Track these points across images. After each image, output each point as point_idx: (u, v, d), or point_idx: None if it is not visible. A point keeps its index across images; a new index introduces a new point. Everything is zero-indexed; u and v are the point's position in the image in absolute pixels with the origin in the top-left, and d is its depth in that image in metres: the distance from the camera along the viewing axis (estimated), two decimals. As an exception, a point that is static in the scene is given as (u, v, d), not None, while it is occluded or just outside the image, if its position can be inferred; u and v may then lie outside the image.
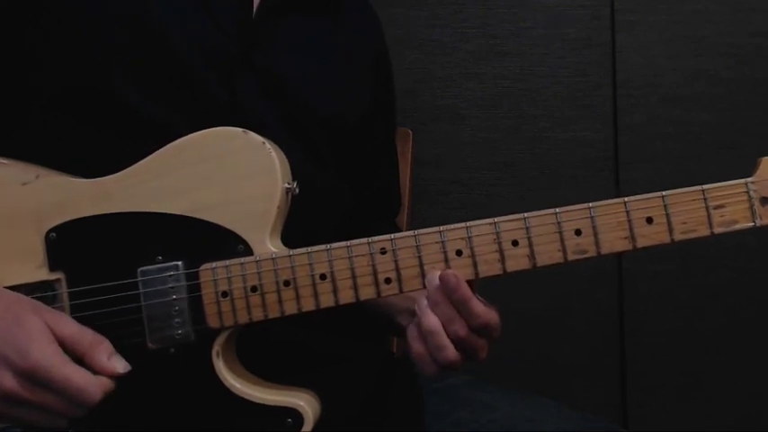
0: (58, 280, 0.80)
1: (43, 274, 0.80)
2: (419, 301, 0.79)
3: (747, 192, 0.77)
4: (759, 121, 1.54)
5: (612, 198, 0.78)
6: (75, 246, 0.80)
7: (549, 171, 1.57)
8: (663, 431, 1.59)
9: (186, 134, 0.80)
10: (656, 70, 1.55)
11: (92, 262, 0.80)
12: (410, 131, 1.42)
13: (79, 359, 0.72)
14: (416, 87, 1.56)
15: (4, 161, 0.82)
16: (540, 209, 0.81)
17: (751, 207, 0.77)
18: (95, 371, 0.72)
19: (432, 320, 0.78)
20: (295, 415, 0.78)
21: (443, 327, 0.77)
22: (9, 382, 0.69)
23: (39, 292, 0.78)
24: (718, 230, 0.77)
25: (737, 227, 0.77)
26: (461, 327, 0.77)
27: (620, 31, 1.55)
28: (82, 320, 0.76)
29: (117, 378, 0.74)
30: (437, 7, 1.56)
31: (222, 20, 0.89)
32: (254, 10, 0.91)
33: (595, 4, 1.55)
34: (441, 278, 0.77)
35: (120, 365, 0.74)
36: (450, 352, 0.78)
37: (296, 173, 0.82)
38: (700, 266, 1.58)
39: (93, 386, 0.70)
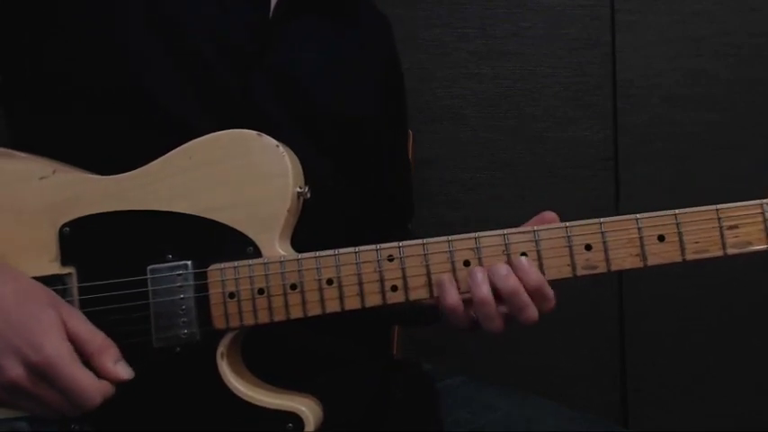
0: (69, 274, 0.80)
1: (55, 268, 0.80)
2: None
3: (763, 213, 0.75)
4: (759, 121, 1.54)
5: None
6: (87, 241, 0.80)
7: (549, 171, 1.57)
8: (663, 431, 1.59)
9: (202, 130, 0.80)
10: (656, 70, 1.55)
11: (103, 258, 0.80)
12: (410, 131, 1.42)
13: (85, 359, 0.73)
14: (416, 87, 1.56)
15: (23, 155, 0.82)
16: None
17: (766, 228, 0.75)
18: (100, 374, 0.73)
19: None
20: (296, 420, 0.78)
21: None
22: (17, 372, 0.70)
23: (50, 285, 0.78)
24: (731, 252, 0.75)
25: (752, 249, 0.75)
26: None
27: (620, 31, 1.55)
28: (90, 315, 0.76)
29: (120, 382, 0.74)
30: (437, 7, 1.56)
31: (238, 19, 0.89)
32: (272, 10, 0.92)
33: (595, 4, 1.55)
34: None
35: (124, 372, 0.74)
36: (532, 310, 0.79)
37: (308, 174, 0.81)
38: (700, 267, 1.57)
39: (94, 390, 0.71)
